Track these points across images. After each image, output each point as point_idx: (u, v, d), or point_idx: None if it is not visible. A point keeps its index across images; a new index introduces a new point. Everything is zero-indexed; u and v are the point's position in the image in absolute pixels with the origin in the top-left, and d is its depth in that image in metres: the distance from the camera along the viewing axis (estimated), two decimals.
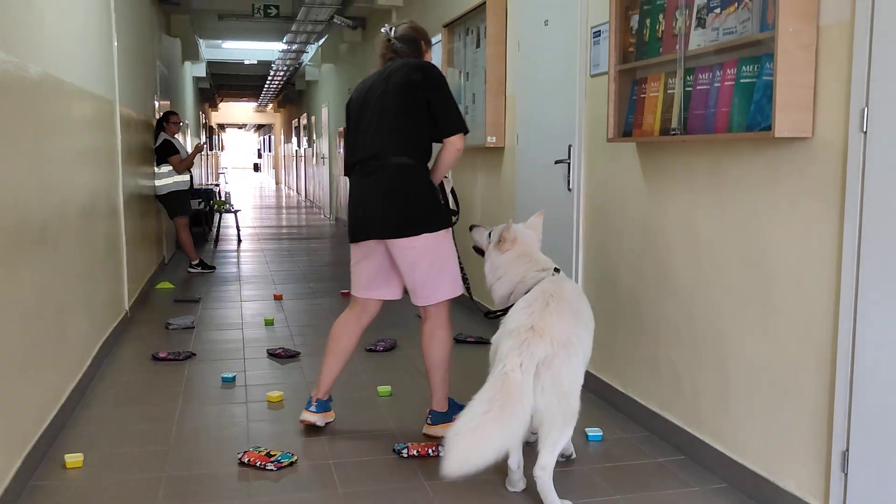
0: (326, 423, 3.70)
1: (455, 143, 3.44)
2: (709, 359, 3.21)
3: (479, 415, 2.61)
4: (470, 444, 2.56)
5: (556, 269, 3.28)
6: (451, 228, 3.53)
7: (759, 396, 2.92)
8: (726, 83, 2.93)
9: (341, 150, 12.17)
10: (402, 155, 3.41)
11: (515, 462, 3.02)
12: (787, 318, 2.77)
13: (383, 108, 3.44)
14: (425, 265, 3.44)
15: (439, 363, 3.58)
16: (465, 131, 3.48)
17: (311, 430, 3.68)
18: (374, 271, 3.60)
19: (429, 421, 3.63)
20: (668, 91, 3.29)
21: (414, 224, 3.40)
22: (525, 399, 2.69)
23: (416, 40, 3.61)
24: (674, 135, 3.23)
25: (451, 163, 3.53)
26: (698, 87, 3.10)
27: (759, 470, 2.93)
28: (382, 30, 3.64)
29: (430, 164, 3.54)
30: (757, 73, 2.78)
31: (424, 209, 3.43)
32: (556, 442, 2.81)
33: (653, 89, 3.41)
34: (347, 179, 3.67)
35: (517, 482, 3.04)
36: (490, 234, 3.51)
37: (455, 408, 3.65)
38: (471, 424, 2.58)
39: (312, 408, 3.66)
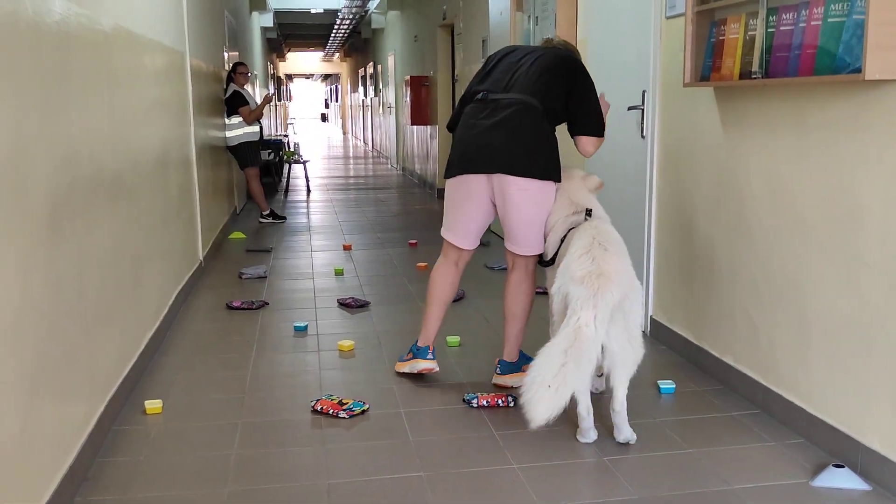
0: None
1: (584, 144, 3.47)
2: (787, 311, 3.11)
3: (558, 367, 2.75)
4: (553, 397, 2.74)
5: (588, 211, 3.30)
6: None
7: (840, 350, 2.82)
8: (812, 23, 2.78)
9: (408, 100, 12.11)
10: (538, 101, 3.37)
11: (586, 409, 3.02)
12: (873, 270, 2.65)
13: (531, 65, 3.45)
14: (533, 211, 3.40)
15: (520, 315, 3.58)
16: (599, 135, 3.47)
17: (388, 378, 3.73)
18: (478, 216, 3.54)
19: (498, 371, 3.63)
20: (749, 32, 3.15)
21: (535, 167, 3.35)
22: (595, 353, 2.84)
23: (574, 50, 3.66)
24: (754, 79, 3.09)
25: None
26: (782, 28, 2.95)
27: (839, 426, 2.85)
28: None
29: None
30: (846, 11, 2.63)
31: (547, 156, 3.39)
32: (628, 377, 2.99)
33: (733, 31, 3.26)
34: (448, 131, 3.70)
35: (588, 431, 3.03)
36: None
37: (524, 359, 3.64)
38: (553, 379, 2.74)
39: (431, 355, 3.71)
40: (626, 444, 3.00)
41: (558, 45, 3.66)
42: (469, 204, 3.51)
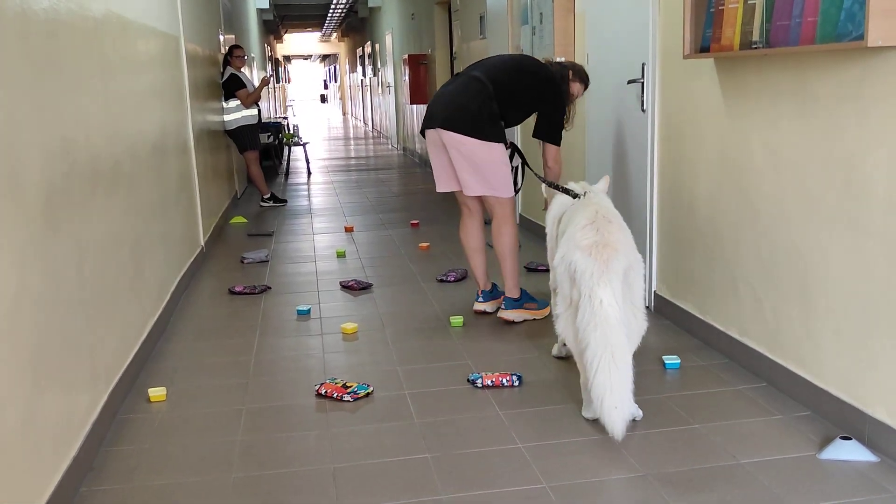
0: (497, 308, 4.31)
1: (548, 152, 4.14)
2: (791, 283, 3.08)
3: (608, 380, 2.71)
4: (623, 411, 2.73)
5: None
6: (503, 144, 4.02)
7: (845, 321, 2.80)
8: None
9: (407, 79, 12.04)
10: (489, 81, 3.97)
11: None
12: (877, 240, 2.62)
13: (508, 59, 4.20)
14: (466, 163, 3.99)
15: (507, 253, 4.13)
16: (556, 145, 4.12)
17: (385, 362, 3.73)
18: (444, 163, 4.14)
19: (503, 306, 4.17)
20: (750, 1, 3.10)
21: (466, 125, 3.93)
22: (623, 330, 2.77)
23: (566, 67, 4.20)
24: (755, 48, 3.05)
25: (554, 171, 4.15)
26: None
27: (845, 397, 2.83)
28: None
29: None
30: None
31: (481, 121, 3.94)
32: (632, 350, 2.90)
33: (732, 0, 3.21)
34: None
35: (592, 405, 3.00)
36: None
37: (526, 297, 4.20)
38: (612, 400, 2.70)
39: (480, 298, 4.36)
40: (632, 421, 2.98)
41: (558, 63, 4.22)
42: (434, 153, 4.16)
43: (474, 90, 3.96)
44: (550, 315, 3.70)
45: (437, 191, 4.26)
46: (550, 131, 4.10)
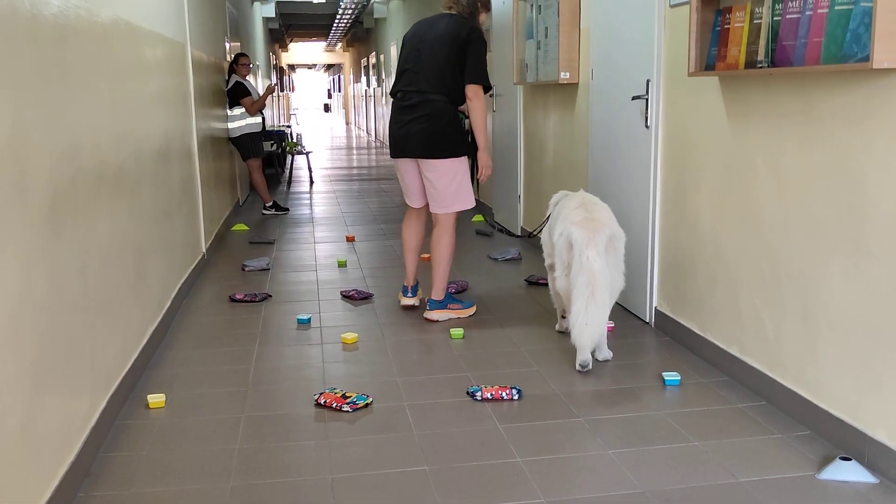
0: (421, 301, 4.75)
1: (469, 89, 4.32)
2: (794, 302, 3.08)
3: (586, 302, 3.49)
4: (591, 329, 3.52)
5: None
6: (466, 156, 4.45)
7: (847, 342, 2.80)
8: (819, 11, 2.75)
9: None
10: (441, 95, 4.33)
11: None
12: (881, 261, 2.62)
13: (434, 54, 4.33)
14: (446, 181, 4.40)
15: (441, 260, 4.51)
16: (485, 86, 4.35)
17: (384, 369, 3.72)
18: (414, 182, 4.56)
19: (428, 307, 4.53)
20: (755, 21, 3.11)
21: (443, 150, 4.34)
22: (606, 278, 3.54)
23: (475, 2, 4.46)
24: (760, 68, 3.06)
25: (477, 117, 4.36)
26: (788, 16, 2.91)
27: (846, 417, 2.83)
28: None
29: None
30: None
31: (452, 138, 4.36)
32: (612, 302, 3.63)
33: (738, 19, 3.23)
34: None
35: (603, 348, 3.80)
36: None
37: (449, 299, 4.57)
38: (586, 317, 3.49)
39: (409, 294, 4.71)
40: (602, 361, 3.66)
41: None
42: (405, 176, 4.59)
43: (437, 111, 4.32)
44: (474, 315, 4.57)
45: (408, 204, 4.66)
46: (476, 72, 4.30)
